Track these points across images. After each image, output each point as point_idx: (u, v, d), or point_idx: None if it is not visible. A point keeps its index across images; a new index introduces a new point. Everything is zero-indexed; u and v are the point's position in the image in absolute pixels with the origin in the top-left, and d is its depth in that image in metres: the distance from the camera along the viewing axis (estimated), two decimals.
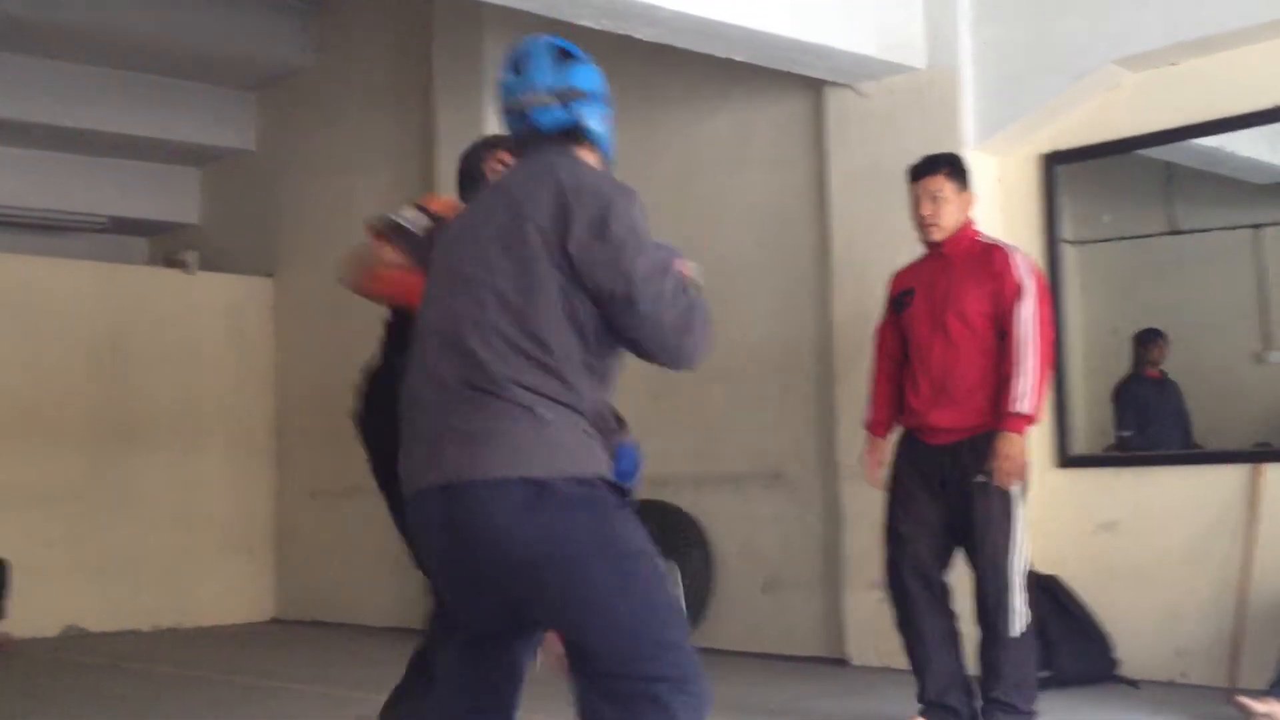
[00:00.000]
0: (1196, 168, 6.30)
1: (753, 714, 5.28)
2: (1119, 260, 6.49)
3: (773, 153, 7.16)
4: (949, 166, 4.65)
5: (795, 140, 7.03)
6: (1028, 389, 4.34)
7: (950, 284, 4.55)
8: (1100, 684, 5.65)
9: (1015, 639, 4.40)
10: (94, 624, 8.87)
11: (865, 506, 6.39)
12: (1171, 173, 6.35)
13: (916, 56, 6.33)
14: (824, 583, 6.76)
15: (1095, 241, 6.45)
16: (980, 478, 4.44)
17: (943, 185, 4.59)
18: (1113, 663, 5.74)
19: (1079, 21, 5.91)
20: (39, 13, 8.45)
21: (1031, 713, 4.50)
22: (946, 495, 4.54)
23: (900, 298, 4.75)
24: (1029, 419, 4.37)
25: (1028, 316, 4.38)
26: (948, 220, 4.58)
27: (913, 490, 4.63)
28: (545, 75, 2.84)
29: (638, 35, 5.97)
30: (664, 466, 7.44)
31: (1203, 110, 5.76)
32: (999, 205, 6.28)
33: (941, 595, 4.63)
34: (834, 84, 6.62)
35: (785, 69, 6.44)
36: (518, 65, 2.87)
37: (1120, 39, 5.80)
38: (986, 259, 4.52)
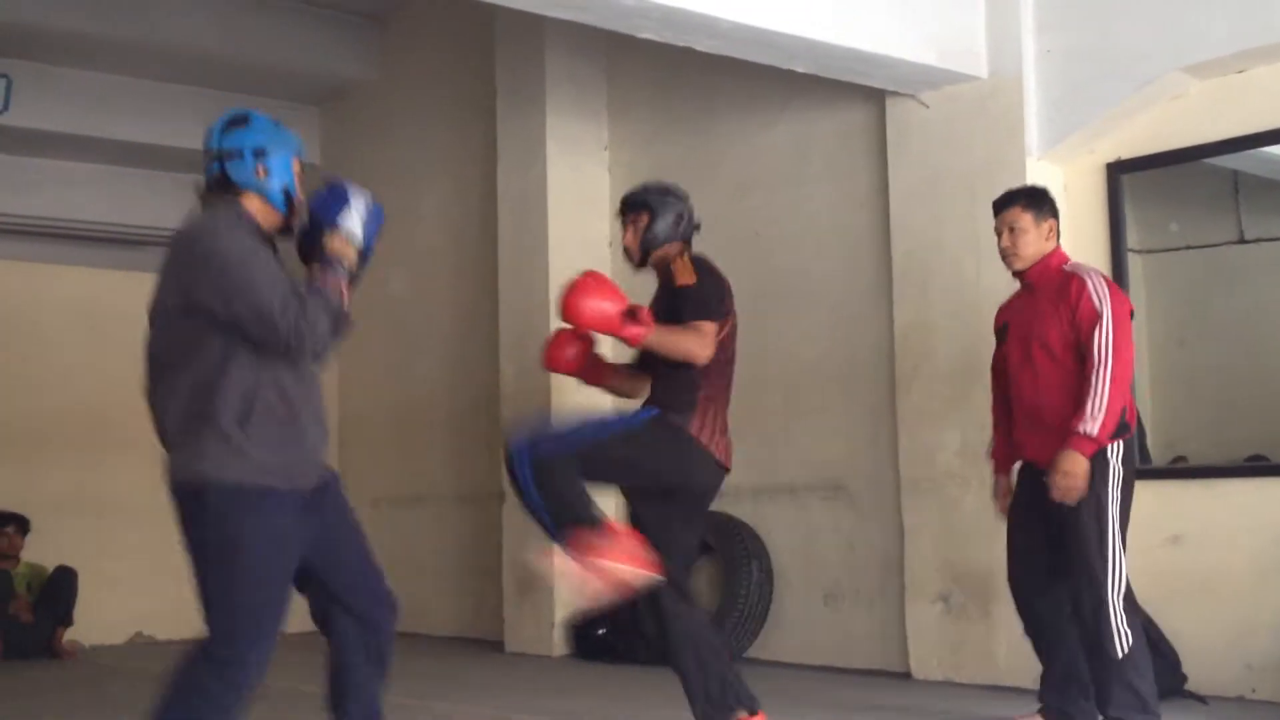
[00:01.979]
0: (1264, 176, 6.21)
1: None
2: (1186, 270, 6.41)
3: (833, 163, 7.14)
4: (1026, 198, 4.82)
5: (856, 150, 7.01)
6: (1097, 411, 4.45)
7: (1035, 315, 4.73)
8: (1168, 699, 5.55)
9: (1122, 659, 4.47)
10: (162, 632, 8.98)
11: (926, 519, 6.37)
12: (1239, 181, 6.26)
13: (978, 65, 6.29)
14: (884, 595, 6.72)
15: (1161, 251, 6.38)
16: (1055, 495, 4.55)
17: (1019, 216, 4.77)
18: (1181, 678, 5.67)
19: (1143, 28, 5.85)
20: (106, 29, 8.60)
21: None
22: (1051, 517, 4.64)
23: (1000, 332, 4.96)
24: (1095, 440, 4.47)
25: (1103, 342, 4.50)
26: (1026, 250, 4.76)
27: (1025, 511, 4.80)
28: (212, 139, 3.80)
29: (698, 47, 5.98)
30: None
31: (1270, 118, 5.68)
32: (1064, 215, 6.19)
33: (1065, 609, 4.75)
34: (895, 94, 6.60)
35: (846, 79, 6.42)
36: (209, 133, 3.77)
37: (1186, 46, 5.74)
38: (1065, 288, 4.66)
